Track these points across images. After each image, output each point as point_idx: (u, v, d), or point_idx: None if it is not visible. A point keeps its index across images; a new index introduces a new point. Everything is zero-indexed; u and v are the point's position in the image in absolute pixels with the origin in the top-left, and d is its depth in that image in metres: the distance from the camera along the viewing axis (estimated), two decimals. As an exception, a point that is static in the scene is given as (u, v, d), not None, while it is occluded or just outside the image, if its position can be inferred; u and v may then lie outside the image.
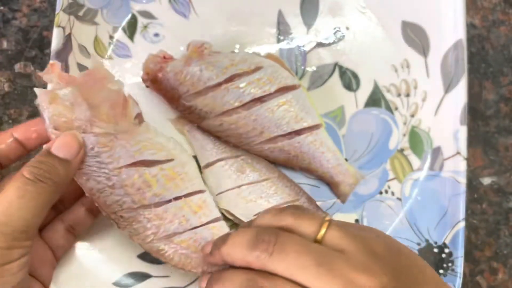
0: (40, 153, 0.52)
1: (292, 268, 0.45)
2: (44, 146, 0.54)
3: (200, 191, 0.62)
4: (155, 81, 0.64)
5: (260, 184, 0.65)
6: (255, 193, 0.65)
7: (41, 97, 0.55)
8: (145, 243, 0.60)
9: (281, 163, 0.67)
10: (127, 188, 0.57)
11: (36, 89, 0.55)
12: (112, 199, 0.57)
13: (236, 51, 0.70)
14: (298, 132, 0.65)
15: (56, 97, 0.54)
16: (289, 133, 0.65)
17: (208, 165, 0.66)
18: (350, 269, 0.44)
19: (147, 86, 0.65)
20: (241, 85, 0.63)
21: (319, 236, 0.48)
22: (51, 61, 0.57)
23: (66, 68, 0.66)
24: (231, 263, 0.50)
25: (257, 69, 0.64)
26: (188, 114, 0.65)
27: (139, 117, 0.59)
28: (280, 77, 0.65)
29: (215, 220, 0.62)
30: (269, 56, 0.67)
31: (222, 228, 0.62)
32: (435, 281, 0.49)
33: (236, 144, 0.66)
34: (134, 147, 0.57)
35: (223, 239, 0.51)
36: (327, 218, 0.49)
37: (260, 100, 0.64)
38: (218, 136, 0.66)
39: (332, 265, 0.45)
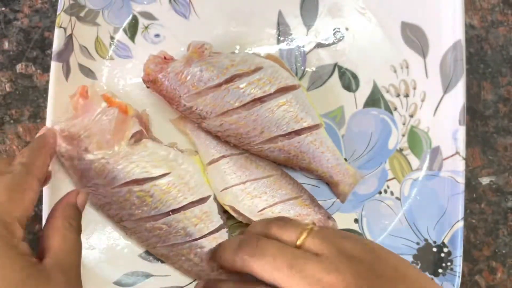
0: (72, 207, 0.58)
1: (268, 269, 0.51)
2: (70, 199, 0.59)
3: (202, 200, 0.65)
4: (155, 82, 0.64)
5: (264, 180, 0.66)
6: (260, 189, 0.65)
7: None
8: (150, 249, 0.65)
9: (281, 163, 0.68)
10: (122, 204, 0.62)
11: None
12: (113, 213, 0.63)
13: (236, 51, 0.70)
14: (298, 132, 0.65)
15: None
16: (289, 133, 0.65)
17: (213, 161, 0.67)
18: (319, 270, 0.49)
19: (147, 87, 0.66)
20: (241, 85, 0.64)
21: (299, 242, 0.53)
22: (83, 86, 0.64)
23: (67, 69, 0.66)
24: (224, 265, 0.57)
25: (257, 69, 0.64)
26: (189, 114, 0.65)
27: (137, 136, 0.64)
28: (280, 77, 0.65)
29: (216, 230, 0.65)
30: (269, 56, 0.67)
31: (222, 238, 0.65)
32: (418, 283, 0.52)
33: (236, 144, 0.66)
34: (127, 168, 0.62)
35: (219, 244, 0.61)
36: (309, 226, 0.54)
37: (260, 100, 0.64)
38: (218, 136, 0.66)
39: (304, 266, 0.50)
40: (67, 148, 0.62)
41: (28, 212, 0.53)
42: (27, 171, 0.54)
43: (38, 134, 0.62)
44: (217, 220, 0.65)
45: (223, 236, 0.65)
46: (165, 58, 0.65)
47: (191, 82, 0.64)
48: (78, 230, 0.56)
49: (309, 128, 0.66)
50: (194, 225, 0.64)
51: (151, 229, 0.63)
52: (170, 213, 0.63)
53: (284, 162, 0.67)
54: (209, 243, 0.64)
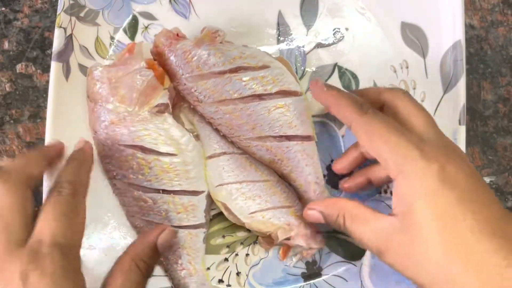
0: (148, 247, 0.58)
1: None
2: (149, 238, 0.59)
3: (195, 193, 0.65)
4: (162, 55, 0.65)
5: (260, 184, 0.66)
6: (254, 191, 0.65)
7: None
8: (128, 216, 0.66)
9: (265, 164, 0.67)
10: (121, 163, 0.64)
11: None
12: (109, 168, 0.65)
13: (237, 51, 0.71)
14: (289, 138, 0.65)
15: (91, 72, 0.64)
16: (280, 136, 0.65)
17: (213, 156, 0.67)
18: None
19: (154, 59, 0.66)
20: (244, 78, 0.64)
21: None
22: (133, 42, 0.67)
23: (67, 69, 0.66)
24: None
25: (264, 67, 0.64)
26: (187, 94, 0.65)
27: (162, 107, 0.64)
28: (284, 80, 0.65)
29: (194, 226, 0.65)
30: (279, 58, 0.67)
31: (198, 236, 0.66)
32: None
33: (226, 134, 0.66)
34: (139, 132, 0.63)
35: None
36: None
37: (259, 97, 0.64)
38: (210, 123, 0.67)
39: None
40: (94, 91, 0.63)
41: (83, 234, 0.53)
42: (75, 192, 0.54)
43: (76, 148, 0.61)
44: (200, 217, 0.65)
45: (199, 234, 0.65)
46: (177, 35, 0.66)
47: (196, 63, 0.64)
48: (146, 273, 0.55)
49: (301, 137, 0.66)
50: (177, 212, 0.64)
51: (137, 198, 0.64)
52: (161, 192, 0.64)
53: (268, 164, 0.67)
54: (183, 236, 0.65)
